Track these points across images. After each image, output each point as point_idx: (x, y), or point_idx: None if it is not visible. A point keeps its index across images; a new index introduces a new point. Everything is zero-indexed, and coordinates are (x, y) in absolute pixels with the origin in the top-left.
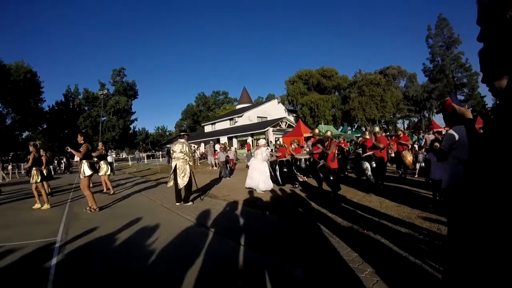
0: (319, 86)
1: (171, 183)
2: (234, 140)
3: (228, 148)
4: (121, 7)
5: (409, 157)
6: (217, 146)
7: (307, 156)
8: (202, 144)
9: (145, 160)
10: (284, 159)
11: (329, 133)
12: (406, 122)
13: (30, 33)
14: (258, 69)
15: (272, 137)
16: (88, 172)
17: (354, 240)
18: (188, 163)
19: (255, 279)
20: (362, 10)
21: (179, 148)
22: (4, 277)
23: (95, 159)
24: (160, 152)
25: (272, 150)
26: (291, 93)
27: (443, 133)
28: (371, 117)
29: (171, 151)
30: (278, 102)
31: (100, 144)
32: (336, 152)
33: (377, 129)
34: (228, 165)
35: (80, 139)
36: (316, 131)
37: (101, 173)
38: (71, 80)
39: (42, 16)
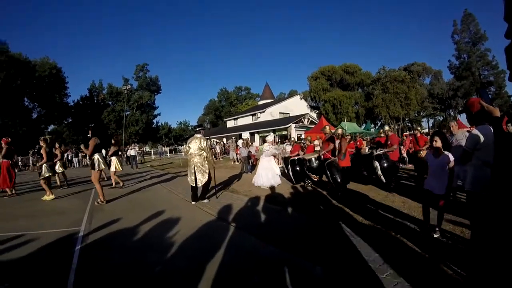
0: (342, 83)
1: (192, 182)
2: (256, 136)
3: (250, 143)
4: (143, 3)
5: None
6: (239, 142)
7: (316, 155)
8: (224, 139)
9: (168, 154)
10: (295, 157)
11: (340, 131)
12: (431, 120)
13: (55, 30)
14: (280, 65)
15: (294, 133)
16: (101, 166)
17: (375, 240)
18: (207, 159)
19: (274, 275)
20: (386, 5)
21: (196, 144)
22: (27, 264)
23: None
24: (183, 146)
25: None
26: (313, 89)
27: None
28: (395, 114)
29: (187, 148)
30: (301, 98)
31: (113, 140)
32: (347, 149)
33: (386, 127)
34: (250, 161)
35: (90, 133)
36: (327, 129)
37: (111, 169)
38: (95, 75)
39: (67, 13)
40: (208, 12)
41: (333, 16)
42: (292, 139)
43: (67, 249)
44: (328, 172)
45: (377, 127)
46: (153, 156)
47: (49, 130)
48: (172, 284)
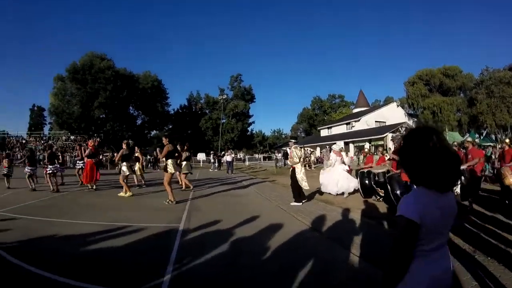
0: (441, 87)
1: (304, 185)
2: (351, 145)
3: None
4: (236, 17)
5: (509, 176)
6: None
7: (385, 169)
8: (318, 148)
9: (262, 161)
10: (365, 170)
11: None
12: None
13: (158, 46)
14: (375, 69)
15: (390, 144)
16: (172, 169)
17: (475, 266)
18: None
19: None
20: None
21: (300, 153)
22: (132, 251)
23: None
24: (276, 154)
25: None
26: (411, 96)
27: None
28: (502, 123)
29: (295, 154)
30: (397, 106)
31: (185, 146)
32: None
33: (469, 139)
34: None
35: (165, 141)
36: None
37: (183, 171)
38: (193, 86)
39: (168, 32)
40: (299, 20)
41: (429, 15)
42: (366, 149)
43: (167, 243)
44: (389, 187)
45: (482, 137)
46: (247, 163)
47: (151, 135)
48: (262, 284)
